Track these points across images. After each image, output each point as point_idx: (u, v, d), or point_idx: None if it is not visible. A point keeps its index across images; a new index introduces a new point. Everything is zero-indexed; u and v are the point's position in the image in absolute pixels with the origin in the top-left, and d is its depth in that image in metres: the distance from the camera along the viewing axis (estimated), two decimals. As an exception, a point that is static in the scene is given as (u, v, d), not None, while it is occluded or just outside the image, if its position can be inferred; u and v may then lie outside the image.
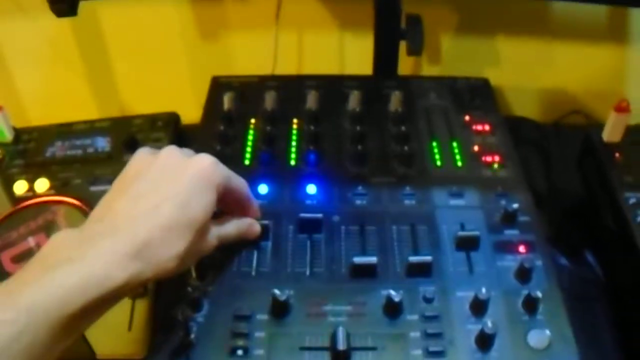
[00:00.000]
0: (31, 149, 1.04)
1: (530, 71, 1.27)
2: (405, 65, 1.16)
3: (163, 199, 0.67)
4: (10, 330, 0.54)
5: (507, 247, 0.83)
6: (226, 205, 0.77)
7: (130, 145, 1.00)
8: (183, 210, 0.67)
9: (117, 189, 0.70)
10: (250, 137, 0.99)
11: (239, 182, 0.77)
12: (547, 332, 0.73)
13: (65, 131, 1.07)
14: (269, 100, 1.03)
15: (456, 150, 0.96)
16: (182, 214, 0.67)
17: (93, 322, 0.62)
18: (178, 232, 0.67)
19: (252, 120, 1.01)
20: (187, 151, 0.75)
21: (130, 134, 1.03)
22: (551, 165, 1.13)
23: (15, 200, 0.96)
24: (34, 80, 1.33)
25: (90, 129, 1.07)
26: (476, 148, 0.96)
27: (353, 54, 1.27)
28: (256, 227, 0.81)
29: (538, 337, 0.73)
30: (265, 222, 0.84)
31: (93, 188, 0.95)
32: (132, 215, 0.66)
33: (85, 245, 0.62)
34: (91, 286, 0.59)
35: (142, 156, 0.73)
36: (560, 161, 1.13)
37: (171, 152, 0.72)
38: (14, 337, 0.54)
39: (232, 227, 0.78)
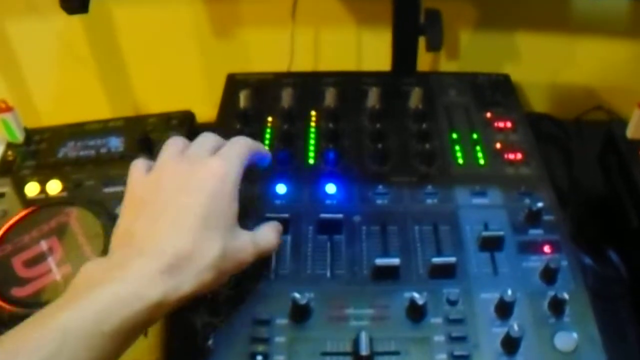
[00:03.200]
0: (43, 149, 1.03)
1: (551, 66, 1.25)
2: (424, 61, 1.14)
3: (183, 213, 0.66)
4: (47, 351, 0.53)
5: (531, 247, 0.81)
6: None
7: (145, 144, 0.99)
8: (205, 219, 0.66)
9: (130, 213, 0.69)
10: (267, 136, 0.97)
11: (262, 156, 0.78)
12: (575, 334, 0.72)
13: (77, 131, 1.06)
14: (286, 97, 1.02)
15: (478, 148, 0.95)
16: (204, 224, 0.66)
17: (133, 341, 0.61)
18: (206, 241, 0.65)
19: (269, 118, 1.00)
20: (180, 142, 0.74)
21: (145, 134, 1.01)
22: (573, 162, 1.12)
23: (26, 202, 0.94)
24: (46, 80, 1.32)
25: (104, 128, 1.06)
26: (498, 145, 0.95)
27: (371, 50, 1.25)
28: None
29: (565, 340, 0.72)
30: (285, 215, 0.83)
31: (107, 189, 0.94)
32: (155, 234, 0.65)
33: (115, 269, 0.61)
34: (125, 305, 0.58)
35: (141, 175, 0.71)
36: (582, 158, 1.12)
37: (173, 165, 0.71)
38: (52, 356, 0.54)
39: (266, 229, 0.76)
